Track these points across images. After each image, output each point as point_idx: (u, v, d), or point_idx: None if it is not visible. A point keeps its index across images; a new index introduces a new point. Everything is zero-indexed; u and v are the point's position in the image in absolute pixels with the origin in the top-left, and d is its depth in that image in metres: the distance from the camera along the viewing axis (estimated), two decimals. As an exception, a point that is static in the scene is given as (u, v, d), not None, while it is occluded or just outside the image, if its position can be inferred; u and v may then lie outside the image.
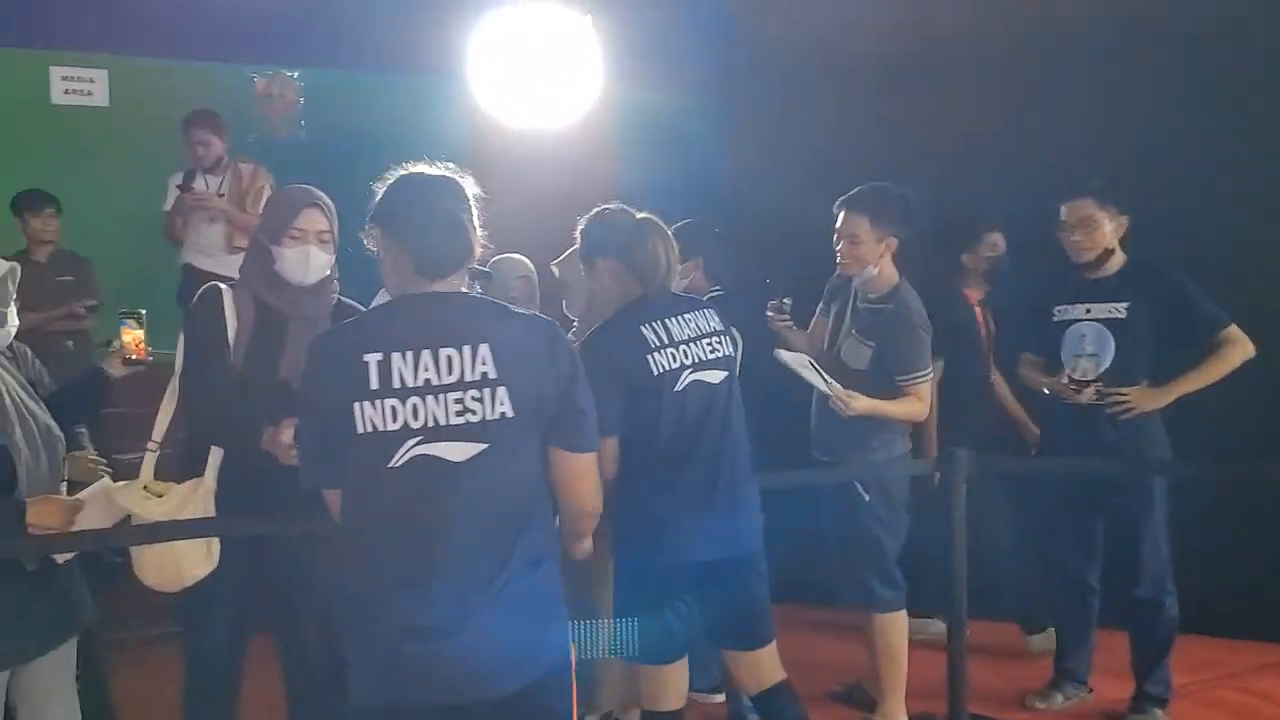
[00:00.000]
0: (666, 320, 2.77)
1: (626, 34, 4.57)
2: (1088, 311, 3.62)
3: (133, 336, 2.96)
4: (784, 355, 3.32)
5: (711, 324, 2.85)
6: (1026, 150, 4.37)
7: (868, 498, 3.43)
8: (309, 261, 2.75)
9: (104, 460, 2.87)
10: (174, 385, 2.80)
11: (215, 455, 2.72)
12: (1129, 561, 3.63)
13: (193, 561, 2.71)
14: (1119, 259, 3.62)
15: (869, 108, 4.70)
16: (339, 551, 2.03)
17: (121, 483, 2.75)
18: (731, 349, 2.89)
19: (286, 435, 2.55)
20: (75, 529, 2.60)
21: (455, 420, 1.95)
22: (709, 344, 2.81)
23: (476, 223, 2.10)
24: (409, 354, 1.95)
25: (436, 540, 1.94)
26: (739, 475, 2.82)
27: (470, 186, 2.13)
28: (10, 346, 2.78)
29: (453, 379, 1.95)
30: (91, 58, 5.77)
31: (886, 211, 3.39)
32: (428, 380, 1.95)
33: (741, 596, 2.85)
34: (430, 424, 1.94)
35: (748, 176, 4.75)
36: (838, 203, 3.45)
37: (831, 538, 3.54)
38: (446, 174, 2.13)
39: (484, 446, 1.96)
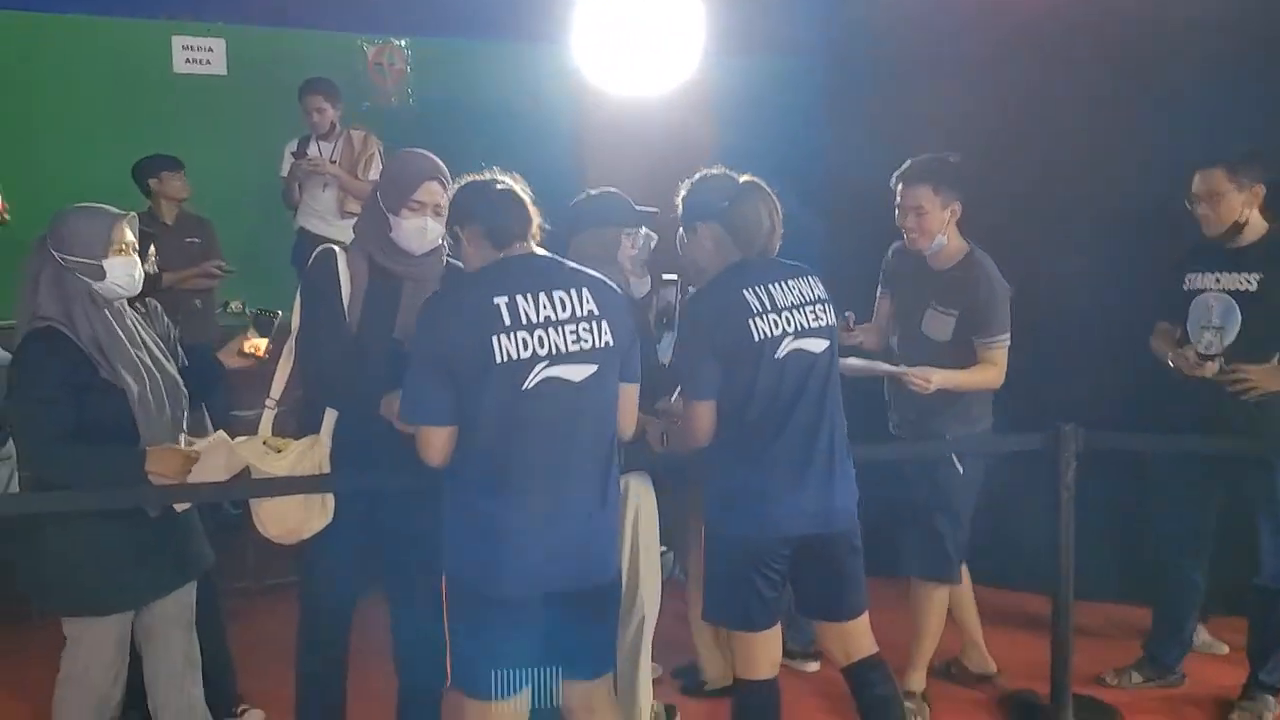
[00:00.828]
0: (770, 285, 2.74)
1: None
2: (1217, 281, 3.49)
3: (256, 344, 2.99)
4: (851, 362, 3.27)
5: (816, 291, 2.82)
6: (1157, 120, 4.20)
7: (962, 470, 3.40)
8: (425, 233, 2.81)
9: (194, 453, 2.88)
10: (290, 345, 2.90)
11: (330, 414, 2.82)
12: (1247, 548, 3.50)
13: (308, 516, 2.82)
14: (1257, 229, 3.46)
15: (980, 74, 4.55)
16: (467, 470, 2.37)
17: (242, 437, 2.86)
18: (834, 318, 2.86)
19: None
20: (193, 480, 2.73)
21: (573, 347, 2.37)
22: (812, 311, 2.77)
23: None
24: (529, 296, 2.36)
25: (561, 447, 2.37)
26: (837, 449, 2.78)
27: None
28: (144, 301, 2.92)
29: (566, 314, 2.38)
30: (210, 27, 5.93)
31: (946, 178, 3.34)
32: (547, 316, 2.36)
33: (833, 571, 2.83)
34: (554, 351, 2.35)
35: (848, 145, 4.67)
36: (895, 177, 3.39)
37: (913, 511, 3.50)
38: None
39: (595, 368, 2.40)
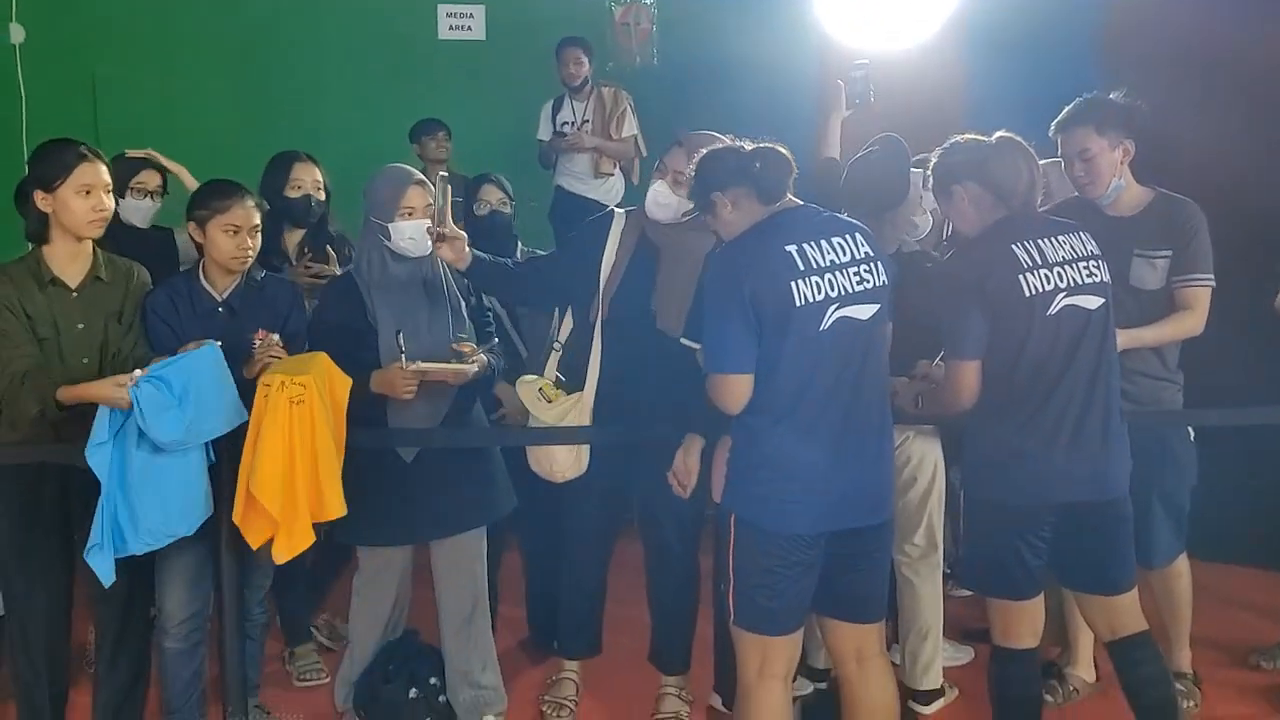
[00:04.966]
0: (1039, 240, 2.64)
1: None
2: None
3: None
4: None
5: (1089, 247, 2.69)
6: None
7: (1193, 437, 3.17)
8: (678, 207, 2.94)
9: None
10: None
11: (593, 371, 2.97)
12: None
13: (564, 465, 3.03)
14: None
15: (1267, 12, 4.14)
16: (761, 412, 2.47)
17: (530, 377, 3.09)
18: (1108, 275, 2.71)
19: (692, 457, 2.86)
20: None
21: (858, 287, 2.47)
22: (1085, 267, 2.65)
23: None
24: (813, 243, 2.48)
25: (852, 385, 2.48)
26: (1111, 412, 2.66)
27: None
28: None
29: (847, 258, 2.49)
30: (472, -5, 6.24)
31: (1111, 117, 3.02)
32: (832, 260, 2.48)
33: (1103, 541, 2.71)
34: (843, 292, 2.46)
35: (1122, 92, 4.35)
36: (1052, 127, 3.09)
37: (1149, 485, 3.08)
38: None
39: (878, 306, 2.51)
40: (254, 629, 3.11)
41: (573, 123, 5.60)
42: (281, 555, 2.68)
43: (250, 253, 2.91)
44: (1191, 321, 3.05)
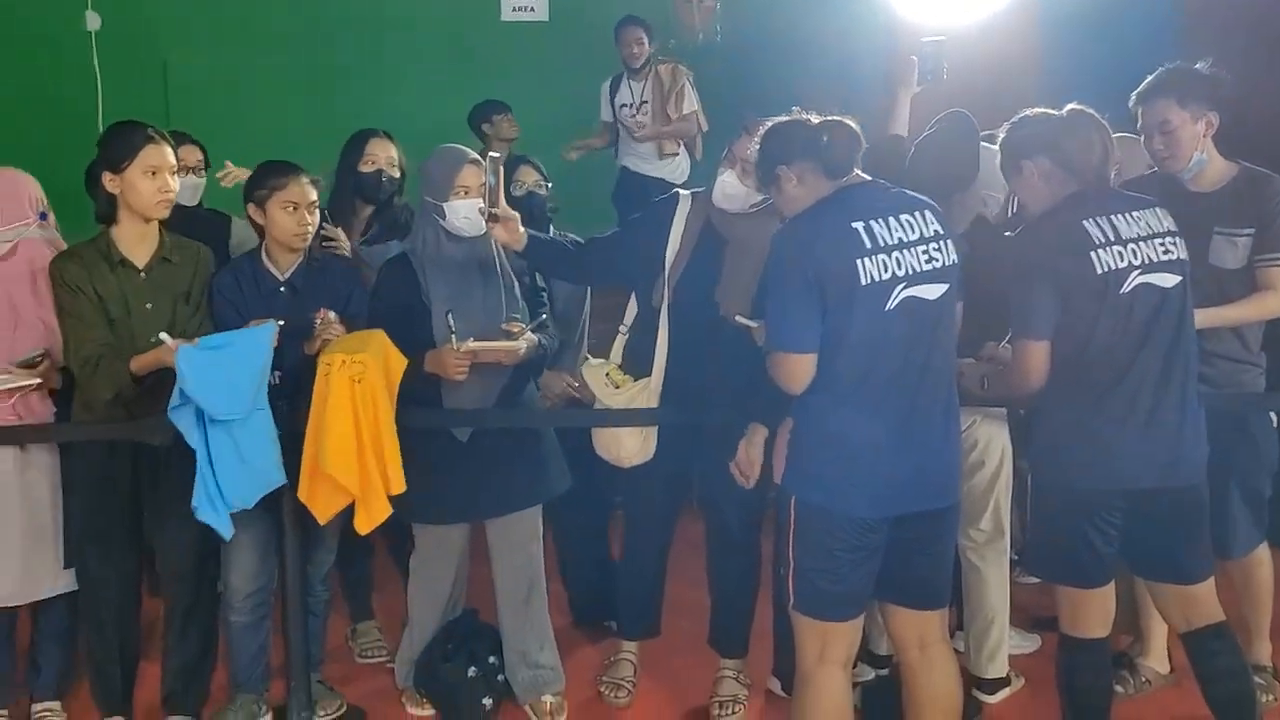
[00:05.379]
0: (1112, 216, 2.55)
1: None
2: None
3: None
4: None
5: (1165, 223, 2.60)
6: None
7: (1276, 422, 3.04)
8: (746, 198, 2.89)
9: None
10: None
11: (660, 356, 2.95)
12: None
13: (631, 450, 3.01)
14: None
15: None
16: (824, 393, 2.42)
17: (596, 361, 3.10)
18: (1186, 253, 2.61)
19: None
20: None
21: (926, 266, 2.39)
22: (1161, 244, 2.56)
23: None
24: (880, 220, 2.40)
25: (918, 367, 2.41)
26: (1188, 394, 2.57)
27: None
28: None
29: (915, 236, 2.41)
30: (535, -24, 6.23)
31: (1193, 89, 2.89)
32: (900, 238, 2.39)
33: (1177, 529, 2.63)
34: (910, 272, 2.38)
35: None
36: (1132, 99, 2.96)
37: (1228, 471, 2.98)
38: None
39: (946, 286, 2.43)
40: (317, 605, 3.16)
41: (631, 104, 5.56)
42: (364, 527, 2.76)
43: (309, 229, 2.94)
44: (1274, 302, 2.93)
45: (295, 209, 2.91)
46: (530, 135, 5.48)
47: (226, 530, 2.69)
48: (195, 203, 3.72)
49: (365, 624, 3.63)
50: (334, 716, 3.14)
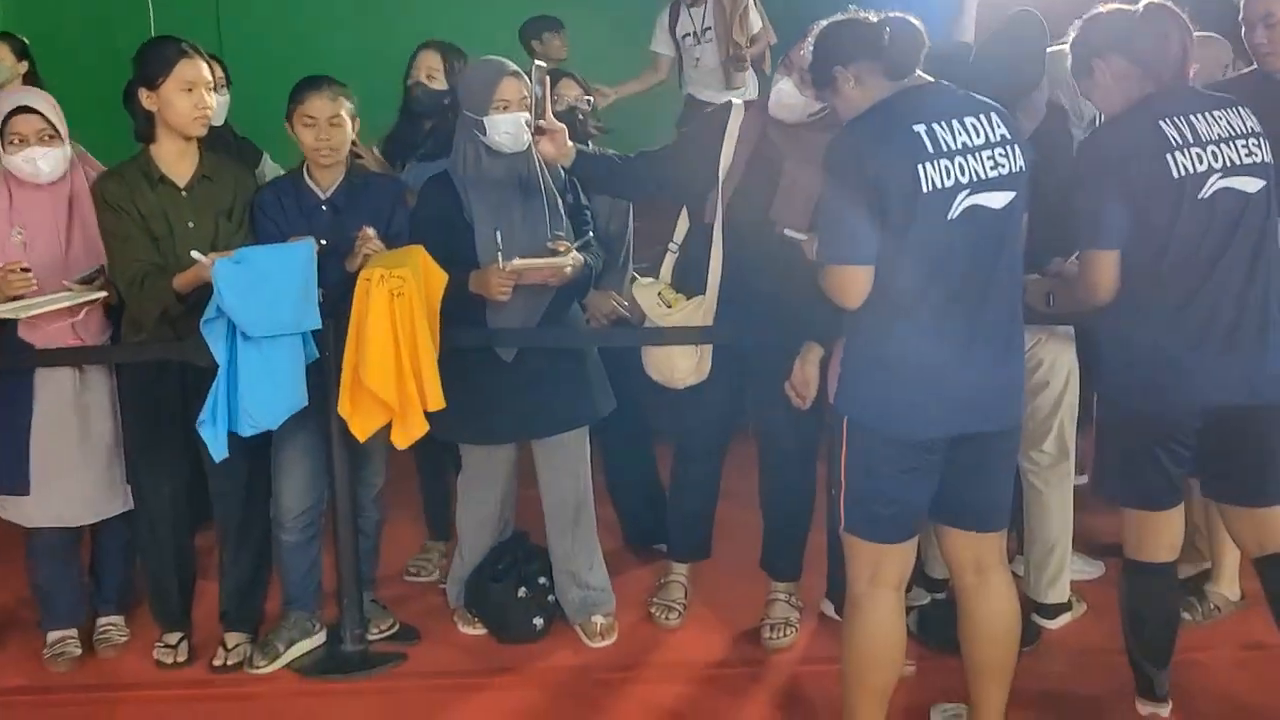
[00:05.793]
0: (1191, 116, 2.38)
1: None
2: None
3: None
4: None
5: (1249, 124, 2.43)
6: None
7: None
8: (804, 108, 2.77)
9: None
10: None
11: (714, 275, 2.86)
12: None
13: (685, 371, 2.95)
14: None
15: None
16: (880, 309, 2.29)
17: (648, 280, 3.01)
18: (1270, 155, 2.43)
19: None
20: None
21: (992, 173, 2.26)
22: (1244, 146, 2.39)
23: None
24: (944, 123, 2.25)
25: (981, 280, 2.28)
26: (1271, 307, 2.42)
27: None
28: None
29: (981, 140, 2.26)
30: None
31: None
32: (965, 143, 2.25)
33: (1256, 449, 2.50)
34: (974, 178, 2.24)
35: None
36: None
37: None
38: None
39: (1013, 195, 2.29)
40: (368, 525, 3.16)
41: (694, 33, 5.32)
42: (401, 442, 2.76)
43: (328, 145, 2.88)
44: None
45: (313, 124, 2.87)
46: (584, 58, 5.34)
47: (219, 451, 2.69)
48: (221, 122, 3.65)
49: (433, 543, 3.65)
50: (387, 634, 3.16)
